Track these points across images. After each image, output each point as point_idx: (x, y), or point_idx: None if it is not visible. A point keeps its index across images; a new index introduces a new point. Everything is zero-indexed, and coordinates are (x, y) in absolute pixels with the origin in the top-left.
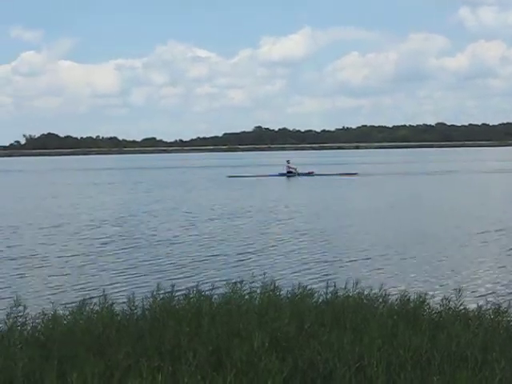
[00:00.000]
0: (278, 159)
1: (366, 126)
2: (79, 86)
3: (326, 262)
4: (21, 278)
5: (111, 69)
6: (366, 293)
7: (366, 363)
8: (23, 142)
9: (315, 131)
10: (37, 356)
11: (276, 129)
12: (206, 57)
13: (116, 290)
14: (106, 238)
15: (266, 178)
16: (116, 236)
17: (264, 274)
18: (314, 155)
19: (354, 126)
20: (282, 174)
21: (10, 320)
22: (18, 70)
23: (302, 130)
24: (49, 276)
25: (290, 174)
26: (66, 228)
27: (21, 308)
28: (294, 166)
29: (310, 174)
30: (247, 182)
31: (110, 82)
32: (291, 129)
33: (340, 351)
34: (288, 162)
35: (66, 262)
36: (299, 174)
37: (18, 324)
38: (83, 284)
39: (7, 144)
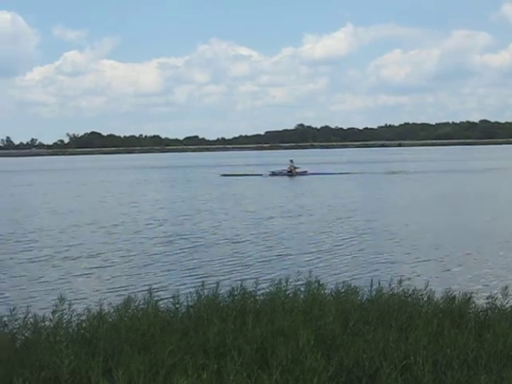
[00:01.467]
0: (320, 157)
1: (408, 123)
2: (122, 85)
3: (370, 259)
4: (69, 275)
5: (154, 67)
6: (410, 291)
7: (412, 362)
8: (67, 140)
9: (357, 129)
10: (82, 353)
11: (318, 127)
12: (249, 55)
13: (161, 288)
14: (155, 235)
15: (262, 177)
16: (163, 234)
17: (310, 271)
18: (356, 153)
19: (396, 124)
20: (273, 174)
21: (56, 317)
22: (62, 69)
23: (345, 128)
24: (96, 273)
25: (290, 173)
26: (120, 227)
27: (66, 305)
28: (297, 166)
29: (304, 173)
30: (293, 181)
31: (152, 80)
32: (333, 126)
33: (385, 350)
34: (291, 161)
35: (114, 259)
36: (296, 174)
37: (64, 321)
38: (129, 281)
39: (51, 143)
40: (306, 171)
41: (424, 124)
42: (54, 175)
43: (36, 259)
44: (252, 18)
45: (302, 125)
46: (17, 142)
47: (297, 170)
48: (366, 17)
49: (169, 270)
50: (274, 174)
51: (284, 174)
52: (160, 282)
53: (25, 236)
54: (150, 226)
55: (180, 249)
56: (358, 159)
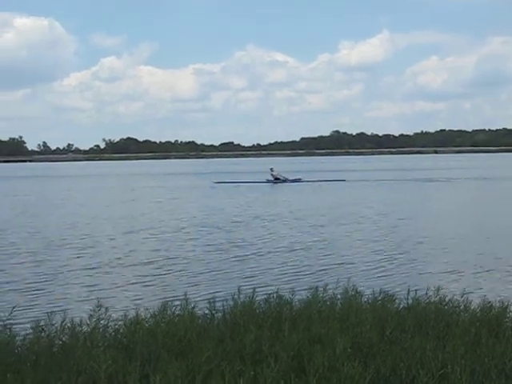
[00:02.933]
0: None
1: (444, 130)
2: (159, 90)
3: (407, 266)
4: (109, 280)
5: (190, 73)
6: (447, 299)
7: (450, 371)
8: (103, 146)
9: (393, 135)
10: (120, 358)
11: (354, 133)
12: (285, 61)
13: (198, 294)
14: (195, 242)
15: (252, 185)
16: (203, 240)
17: (348, 278)
18: (392, 160)
19: (432, 130)
20: (269, 181)
21: (93, 322)
22: (99, 75)
23: (380, 135)
24: (135, 279)
25: (277, 180)
26: (161, 232)
27: (103, 310)
28: (276, 173)
29: (297, 180)
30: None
31: (189, 86)
32: (369, 133)
33: (422, 358)
34: (272, 169)
35: (152, 265)
36: (286, 181)
37: (101, 326)
38: (166, 287)
39: (87, 148)
40: (300, 178)
41: (460, 131)
42: (94, 180)
43: (77, 264)
44: (288, 24)
45: (337, 131)
46: (53, 147)
47: (286, 179)
48: (402, 23)
49: (206, 277)
50: (268, 181)
51: (278, 182)
52: (197, 288)
53: (73, 241)
54: (191, 233)
55: (217, 255)
56: (392, 166)
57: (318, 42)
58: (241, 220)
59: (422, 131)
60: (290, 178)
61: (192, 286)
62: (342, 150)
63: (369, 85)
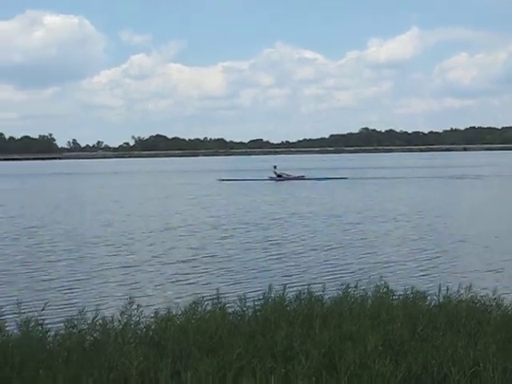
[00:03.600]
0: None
1: (474, 127)
2: (188, 88)
3: (441, 264)
4: (140, 278)
5: (219, 71)
6: (478, 297)
7: (482, 369)
8: (132, 143)
9: (422, 132)
10: (151, 354)
11: (383, 130)
12: (313, 58)
13: (230, 291)
14: (230, 239)
15: (257, 183)
16: (239, 237)
17: (380, 276)
18: (421, 157)
19: (461, 128)
20: (271, 178)
21: (124, 318)
22: (129, 72)
23: (409, 132)
24: (168, 276)
25: (279, 177)
26: (196, 230)
27: (135, 307)
28: (284, 172)
29: (301, 178)
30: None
31: (217, 83)
32: (398, 130)
33: (454, 356)
34: (275, 167)
35: (186, 262)
36: (288, 178)
37: (132, 322)
38: (199, 284)
39: (117, 146)
40: (303, 176)
41: (490, 128)
42: (125, 178)
43: (112, 262)
44: (317, 21)
45: (366, 128)
46: (83, 145)
47: (290, 176)
48: (431, 20)
49: (239, 274)
50: (271, 178)
51: (281, 179)
52: (229, 286)
53: (109, 238)
54: (227, 230)
55: (252, 253)
56: (421, 164)
57: (347, 39)
58: (278, 217)
59: (451, 128)
60: (294, 176)
61: (224, 283)
62: (371, 148)
63: (398, 82)
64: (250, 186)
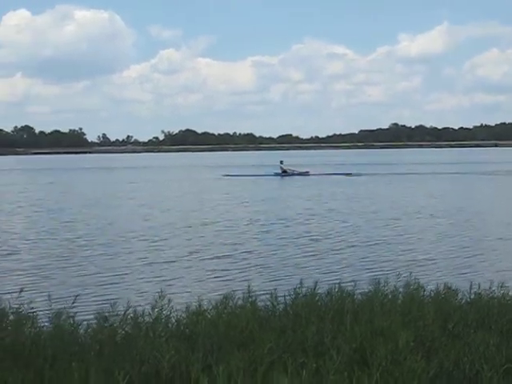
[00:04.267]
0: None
1: (505, 123)
2: (217, 82)
3: (470, 260)
4: (174, 272)
5: (248, 66)
6: (511, 294)
7: None
8: (162, 138)
9: (452, 128)
10: (182, 348)
11: (413, 126)
12: (343, 53)
13: (261, 286)
14: (267, 235)
15: (262, 178)
16: (276, 233)
17: (410, 272)
18: (451, 153)
19: (492, 124)
20: (277, 174)
21: (155, 312)
22: (158, 67)
23: (439, 127)
24: (202, 270)
25: (284, 173)
26: (233, 225)
27: (166, 301)
28: (289, 167)
29: (305, 173)
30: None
31: (247, 78)
32: (428, 126)
33: (486, 353)
34: (281, 162)
35: (221, 258)
36: (293, 174)
37: (163, 316)
38: (233, 279)
39: (146, 140)
40: (308, 172)
41: None
42: (157, 172)
43: (148, 256)
44: (347, 16)
45: (396, 124)
46: (113, 139)
47: (294, 172)
48: (462, 15)
49: (274, 269)
50: (277, 174)
51: (286, 175)
52: (261, 281)
53: (146, 233)
54: (264, 225)
55: (287, 248)
56: (452, 159)
57: (377, 33)
58: (315, 213)
59: (481, 124)
60: (298, 171)
61: (257, 278)
62: (401, 143)
63: (428, 77)
64: (281, 181)
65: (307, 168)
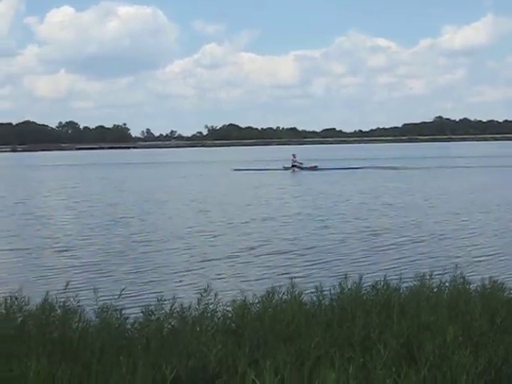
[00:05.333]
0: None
1: None
2: (260, 77)
3: None
4: (222, 266)
5: (291, 60)
6: None
7: None
8: (205, 132)
9: (497, 121)
10: (229, 342)
11: (457, 119)
12: (386, 46)
13: (305, 279)
14: (325, 230)
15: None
16: (335, 228)
17: (456, 266)
18: (495, 146)
19: None
20: (286, 168)
21: (201, 306)
22: (201, 62)
23: (484, 120)
24: (243, 263)
25: (294, 167)
26: (292, 220)
27: (212, 295)
28: (300, 161)
29: (314, 168)
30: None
31: (290, 72)
32: (472, 119)
33: None
34: (294, 155)
35: (263, 251)
36: (302, 168)
37: (209, 311)
38: (273, 272)
39: (190, 135)
40: (316, 166)
41: None
42: (204, 167)
43: (204, 251)
44: (390, 9)
45: (440, 117)
46: (156, 134)
47: (302, 166)
48: (506, 6)
49: (314, 262)
50: (286, 168)
51: (301, 168)
52: (304, 274)
53: (204, 228)
54: (322, 220)
55: (326, 241)
56: (498, 153)
57: (420, 26)
58: (374, 208)
59: None
60: (307, 166)
61: (305, 272)
62: (445, 136)
63: (472, 69)
64: (328, 175)
65: (315, 163)
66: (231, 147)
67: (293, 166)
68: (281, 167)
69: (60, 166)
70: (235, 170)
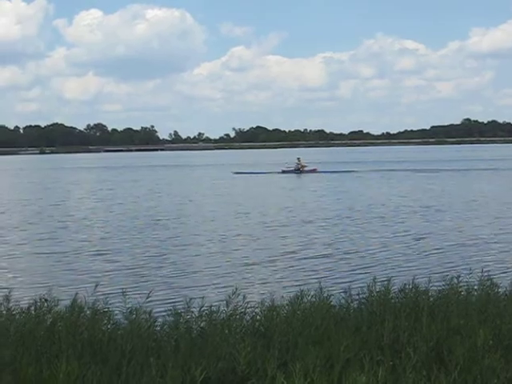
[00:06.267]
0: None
1: None
2: (287, 79)
3: None
4: (250, 268)
5: (319, 62)
6: None
7: None
8: (232, 135)
9: None
10: (258, 345)
11: (485, 121)
12: (414, 49)
13: (333, 283)
14: (360, 234)
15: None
16: (370, 232)
17: (482, 269)
18: None
19: None
20: (284, 172)
21: (230, 309)
22: (229, 65)
23: None
24: (270, 267)
25: (297, 171)
26: (332, 223)
27: (240, 298)
28: (305, 164)
29: (313, 171)
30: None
31: (317, 75)
32: (501, 121)
33: None
34: (298, 159)
35: (288, 255)
36: (302, 172)
37: (237, 313)
38: (301, 275)
39: (217, 137)
40: (315, 169)
41: None
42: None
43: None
44: (418, 11)
45: (468, 119)
46: (184, 136)
47: (305, 168)
48: None
49: (341, 265)
50: (283, 172)
51: (292, 172)
52: (331, 276)
53: (244, 231)
54: (362, 224)
55: (351, 246)
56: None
57: (448, 28)
58: (409, 210)
59: None
60: (306, 169)
61: (336, 275)
62: (473, 139)
63: (500, 72)
64: (361, 177)
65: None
66: (258, 150)
67: (297, 169)
68: (279, 170)
69: (91, 169)
70: (235, 173)
